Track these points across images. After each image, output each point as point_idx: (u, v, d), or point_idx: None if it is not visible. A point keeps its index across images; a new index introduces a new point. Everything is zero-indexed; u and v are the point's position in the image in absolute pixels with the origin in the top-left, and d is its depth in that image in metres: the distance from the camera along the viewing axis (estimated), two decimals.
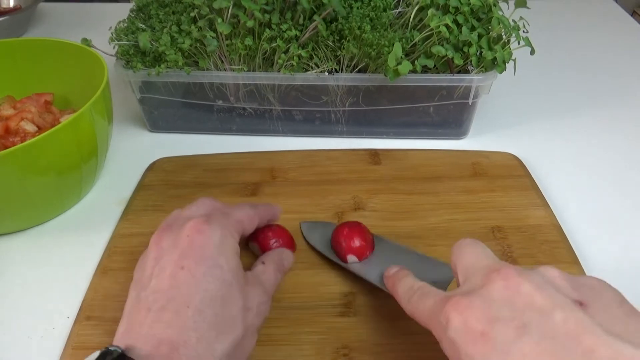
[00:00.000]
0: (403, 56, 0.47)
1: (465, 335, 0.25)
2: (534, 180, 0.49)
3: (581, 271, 0.40)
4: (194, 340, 0.27)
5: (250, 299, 0.31)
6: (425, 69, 0.50)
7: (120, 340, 0.28)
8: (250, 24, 0.47)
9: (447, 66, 0.49)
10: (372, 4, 0.50)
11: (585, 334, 0.22)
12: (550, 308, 0.23)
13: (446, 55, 0.47)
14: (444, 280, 0.36)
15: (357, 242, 0.40)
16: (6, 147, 0.40)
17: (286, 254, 0.38)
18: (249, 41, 0.48)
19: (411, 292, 0.31)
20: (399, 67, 0.46)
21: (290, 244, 0.41)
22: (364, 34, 0.47)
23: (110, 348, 0.26)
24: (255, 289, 0.33)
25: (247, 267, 0.35)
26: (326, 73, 0.50)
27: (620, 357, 0.21)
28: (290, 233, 0.42)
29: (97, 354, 0.26)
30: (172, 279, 0.29)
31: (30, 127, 0.47)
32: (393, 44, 0.46)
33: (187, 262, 0.30)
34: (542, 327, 0.23)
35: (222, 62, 0.51)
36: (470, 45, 0.48)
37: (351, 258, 0.40)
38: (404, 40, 0.48)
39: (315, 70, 0.50)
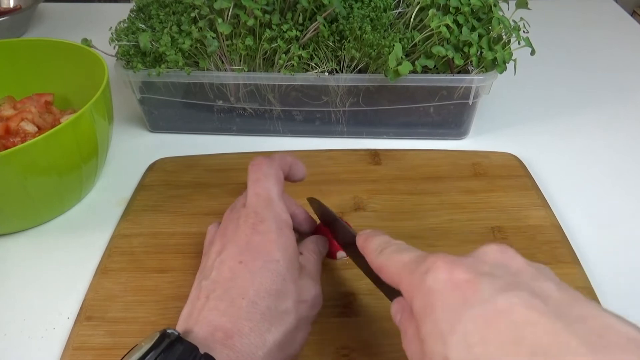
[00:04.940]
0: (403, 56, 0.47)
1: (447, 284, 0.23)
2: (534, 180, 0.49)
3: (582, 271, 0.40)
4: (247, 329, 0.29)
5: (304, 292, 0.32)
6: (425, 69, 0.50)
7: (181, 323, 0.30)
8: (250, 22, 0.47)
9: (447, 66, 0.49)
10: (372, 4, 0.50)
11: (577, 303, 0.21)
12: (542, 278, 0.23)
13: (446, 55, 0.47)
14: None
15: None
16: (6, 148, 0.40)
17: (320, 240, 0.38)
18: (249, 41, 0.48)
19: (386, 245, 0.29)
20: (400, 67, 0.46)
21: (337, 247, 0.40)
22: (364, 35, 0.47)
23: (168, 331, 0.28)
24: (308, 281, 0.33)
25: None
26: (326, 73, 0.50)
27: (611, 329, 0.20)
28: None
29: (157, 335, 0.27)
30: (231, 272, 0.31)
31: (30, 128, 0.47)
32: (393, 45, 0.46)
33: (245, 257, 0.31)
34: (535, 290, 0.22)
35: (223, 62, 0.51)
36: (470, 45, 0.48)
37: (340, 254, 0.40)
38: (404, 40, 0.48)
39: (315, 71, 0.50)
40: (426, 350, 0.22)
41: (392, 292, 0.28)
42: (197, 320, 0.29)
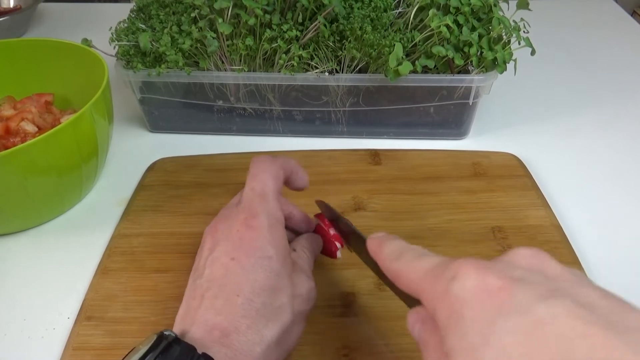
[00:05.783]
0: (404, 56, 0.47)
1: (477, 291, 0.20)
2: (534, 180, 0.49)
3: (582, 272, 0.40)
4: (244, 327, 0.28)
5: (298, 287, 0.32)
6: (425, 69, 0.50)
7: (178, 324, 0.30)
8: (252, 22, 0.47)
9: (447, 66, 0.49)
10: (372, 4, 0.50)
11: (626, 312, 0.19)
12: (583, 284, 0.20)
13: (447, 55, 0.47)
14: None
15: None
16: (6, 148, 0.40)
17: (313, 238, 0.38)
18: (249, 41, 0.48)
19: (403, 250, 0.27)
20: (400, 67, 0.46)
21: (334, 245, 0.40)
22: (365, 35, 0.47)
23: (165, 332, 0.27)
24: (302, 276, 0.33)
25: None
26: (326, 73, 0.50)
27: None
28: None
29: (154, 337, 0.27)
30: (224, 269, 0.31)
31: (30, 128, 0.47)
32: (394, 45, 0.46)
33: (238, 254, 0.31)
34: (577, 297, 0.19)
35: (223, 62, 0.51)
36: (470, 45, 0.48)
37: (340, 253, 0.40)
38: (404, 40, 0.48)
39: (315, 71, 0.50)
40: None
41: (409, 299, 0.26)
42: (193, 321, 0.29)
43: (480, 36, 0.48)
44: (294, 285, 0.32)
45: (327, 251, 0.40)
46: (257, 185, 0.34)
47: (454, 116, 0.54)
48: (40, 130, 0.47)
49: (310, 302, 0.33)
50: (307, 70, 0.50)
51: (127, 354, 0.27)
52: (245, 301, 0.29)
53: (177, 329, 0.30)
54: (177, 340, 0.27)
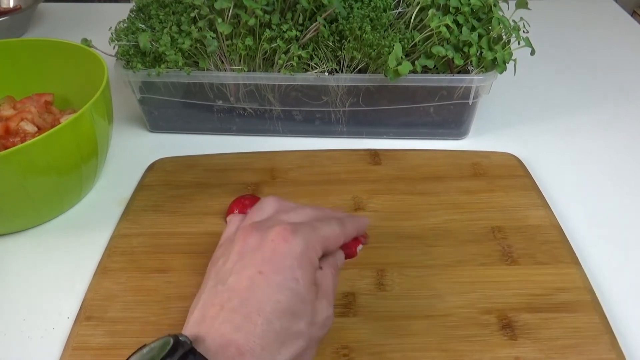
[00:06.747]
0: (403, 56, 0.47)
1: None
2: (534, 181, 0.49)
3: (581, 271, 0.40)
4: (258, 348, 0.28)
5: (318, 314, 0.31)
6: (425, 69, 0.50)
7: (192, 328, 0.29)
8: (252, 22, 0.47)
9: (447, 66, 0.49)
10: (372, 4, 0.50)
11: None
12: None
13: (446, 55, 0.47)
14: None
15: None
16: (6, 148, 0.40)
17: (339, 254, 0.37)
18: (249, 41, 0.48)
19: None
20: (399, 67, 0.46)
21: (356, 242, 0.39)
22: (364, 35, 0.47)
23: (180, 338, 0.27)
24: (323, 302, 0.32)
25: None
26: (326, 73, 0.50)
27: None
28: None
29: (170, 341, 0.26)
30: (249, 281, 0.30)
31: (30, 128, 0.47)
32: (393, 45, 0.46)
33: (266, 268, 0.30)
34: None
35: (222, 62, 0.51)
36: (470, 45, 0.48)
37: (360, 247, 0.39)
38: (404, 40, 0.48)
39: (315, 71, 0.50)
40: None
41: None
42: (209, 330, 0.29)
43: (480, 36, 0.48)
44: (314, 312, 0.31)
45: (348, 252, 0.39)
46: (317, 222, 0.34)
47: (453, 116, 0.54)
48: (40, 130, 0.47)
49: (324, 328, 0.33)
50: (306, 70, 0.50)
51: (136, 350, 0.26)
52: (264, 322, 0.29)
53: (190, 332, 0.29)
54: (192, 351, 0.26)
